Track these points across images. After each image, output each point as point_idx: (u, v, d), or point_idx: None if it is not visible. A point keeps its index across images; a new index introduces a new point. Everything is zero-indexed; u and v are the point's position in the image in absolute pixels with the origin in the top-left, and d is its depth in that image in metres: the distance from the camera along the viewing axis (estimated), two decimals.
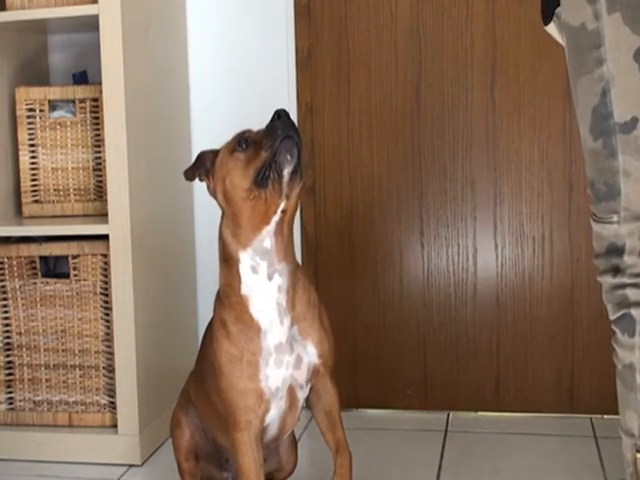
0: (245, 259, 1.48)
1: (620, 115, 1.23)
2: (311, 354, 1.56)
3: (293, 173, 1.43)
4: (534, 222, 2.32)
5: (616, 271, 1.28)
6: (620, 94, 1.23)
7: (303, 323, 1.55)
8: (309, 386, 1.60)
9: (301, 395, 1.59)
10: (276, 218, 1.46)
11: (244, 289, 1.50)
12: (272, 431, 1.61)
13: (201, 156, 1.54)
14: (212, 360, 1.56)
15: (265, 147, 1.42)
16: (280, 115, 1.43)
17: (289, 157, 1.42)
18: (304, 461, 2.00)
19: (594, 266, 1.37)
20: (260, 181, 1.42)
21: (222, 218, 1.52)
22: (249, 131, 1.49)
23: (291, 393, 1.56)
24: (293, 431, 1.78)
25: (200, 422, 1.74)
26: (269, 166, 1.41)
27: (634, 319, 1.26)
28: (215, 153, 1.53)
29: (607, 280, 1.31)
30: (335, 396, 1.63)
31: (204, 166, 1.53)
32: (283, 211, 1.46)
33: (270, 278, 1.50)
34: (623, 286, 1.27)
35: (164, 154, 2.29)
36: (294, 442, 1.84)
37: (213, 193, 1.52)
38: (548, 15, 1.38)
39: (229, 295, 1.53)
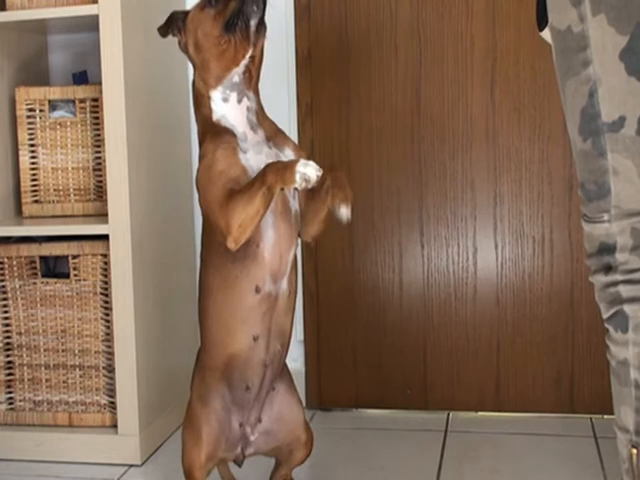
0: (216, 95, 1.62)
1: (608, 115, 1.25)
2: (290, 157, 1.63)
3: (259, 24, 1.59)
4: (534, 222, 2.32)
5: (608, 269, 1.29)
6: (607, 94, 1.24)
7: (276, 139, 1.65)
8: (296, 198, 1.63)
9: (290, 199, 1.61)
10: (245, 62, 1.60)
11: (215, 116, 1.62)
12: (268, 235, 1.57)
13: (173, 15, 1.68)
14: (199, 181, 1.60)
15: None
16: None
17: (255, 8, 1.58)
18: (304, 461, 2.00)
19: None
20: (229, 27, 1.58)
21: (194, 74, 1.66)
22: None
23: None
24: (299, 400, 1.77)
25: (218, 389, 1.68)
26: (237, 15, 1.57)
27: (627, 315, 1.27)
28: (186, 13, 1.67)
29: (599, 279, 1.32)
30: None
31: (176, 23, 1.67)
32: (252, 57, 1.61)
33: (239, 102, 1.62)
34: (615, 283, 1.28)
35: (164, 154, 2.29)
36: (300, 404, 1.78)
37: (184, 48, 1.67)
38: (542, 21, 1.39)
39: (205, 128, 1.63)
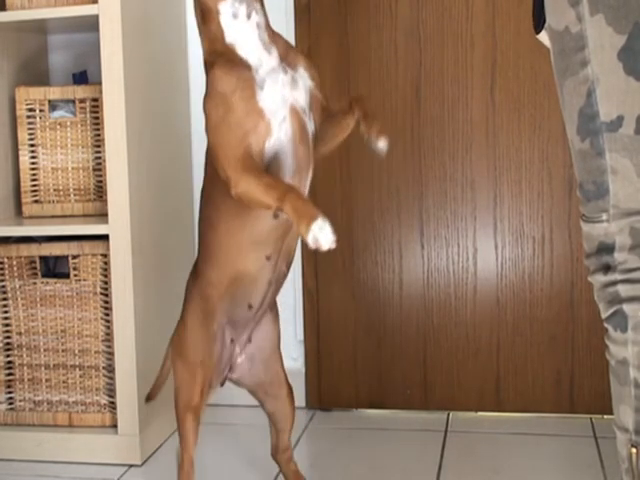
0: (225, 8, 1.55)
1: (606, 114, 1.25)
2: (304, 77, 1.61)
3: None
4: (534, 222, 2.32)
5: (607, 269, 1.30)
6: (605, 93, 1.24)
7: (288, 57, 1.61)
8: (312, 119, 1.60)
9: (308, 122, 1.58)
10: None
11: (228, 38, 1.56)
12: (287, 164, 1.56)
13: None
14: (208, 122, 1.56)
15: None
16: None
17: None
18: (304, 461, 2.00)
19: None
20: None
21: None
22: None
23: (295, 116, 1.55)
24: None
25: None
26: None
27: (626, 314, 1.27)
28: None
29: (598, 279, 1.32)
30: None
31: None
32: None
33: (249, 16, 1.57)
34: (614, 283, 1.29)
35: (164, 154, 2.29)
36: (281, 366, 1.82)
37: None
38: (539, 23, 1.39)
39: (216, 50, 1.58)
